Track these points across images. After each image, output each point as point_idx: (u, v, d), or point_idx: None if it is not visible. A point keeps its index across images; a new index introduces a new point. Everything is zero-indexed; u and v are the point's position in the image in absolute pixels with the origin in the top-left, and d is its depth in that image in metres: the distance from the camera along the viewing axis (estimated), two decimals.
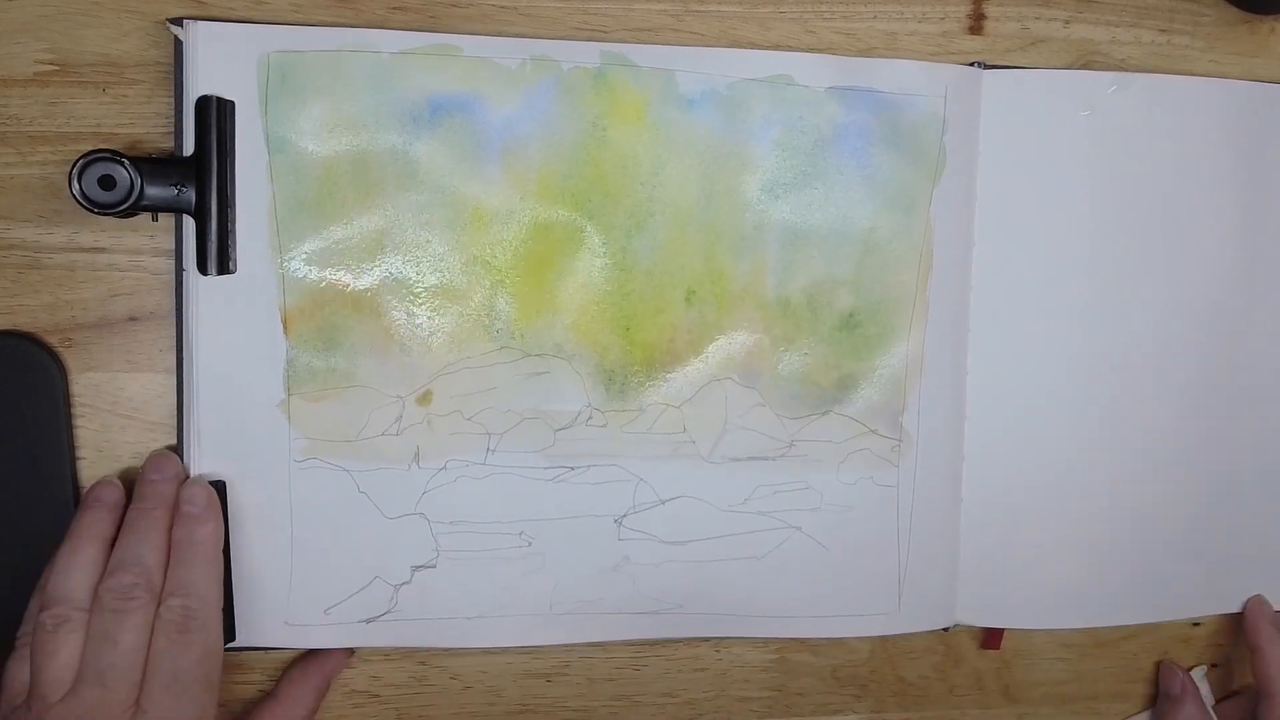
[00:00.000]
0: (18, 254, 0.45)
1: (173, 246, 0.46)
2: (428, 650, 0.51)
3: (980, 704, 0.56)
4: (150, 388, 0.47)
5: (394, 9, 0.46)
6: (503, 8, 0.47)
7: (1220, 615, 0.57)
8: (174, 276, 0.46)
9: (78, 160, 0.42)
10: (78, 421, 0.46)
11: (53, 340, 0.46)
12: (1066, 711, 0.57)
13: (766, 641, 0.53)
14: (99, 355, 0.46)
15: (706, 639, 0.53)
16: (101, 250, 0.46)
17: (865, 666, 0.54)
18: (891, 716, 0.55)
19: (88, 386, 0.46)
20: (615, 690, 0.53)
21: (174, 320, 0.46)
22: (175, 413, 0.47)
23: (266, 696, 0.49)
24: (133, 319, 0.46)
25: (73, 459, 0.46)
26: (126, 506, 0.44)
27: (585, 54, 0.47)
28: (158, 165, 0.43)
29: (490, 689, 0.51)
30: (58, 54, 0.45)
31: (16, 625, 0.43)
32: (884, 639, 0.54)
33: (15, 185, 0.45)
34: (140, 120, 0.46)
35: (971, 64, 0.50)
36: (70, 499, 0.46)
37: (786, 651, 0.54)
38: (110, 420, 0.47)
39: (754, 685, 0.54)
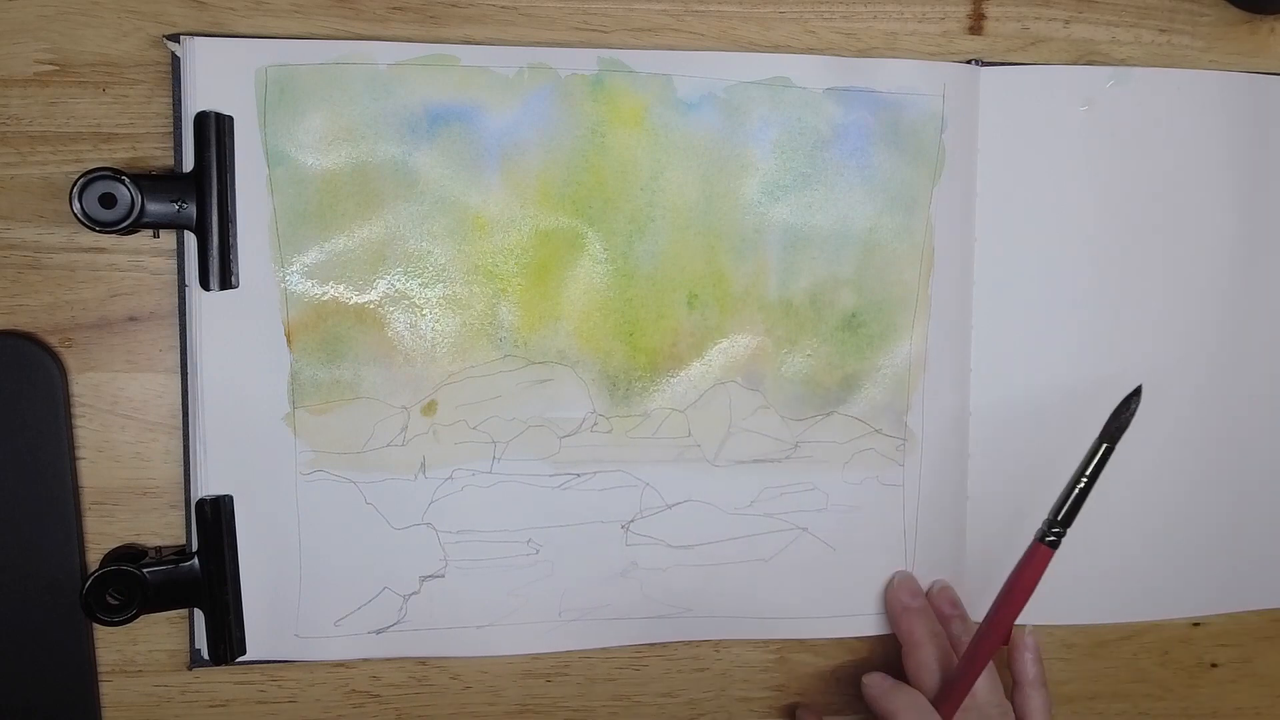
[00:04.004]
0: (18, 254, 0.45)
1: (174, 246, 0.46)
2: None
3: None
4: (150, 388, 0.47)
5: (394, 8, 0.46)
6: (503, 7, 0.47)
7: (1221, 615, 0.57)
8: (174, 279, 0.46)
9: (78, 179, 0.42)
10: (78, 421, 0.46)
11: (53, 340, 0.46)
12: (1067, 712, 0.57)
13: (767, 641, 0.53)
14: (99, 355, 0.46)
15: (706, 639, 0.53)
16: (101, 250, 0.46)
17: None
18: None
19: (88, 386, 0.46)
20: (615, 690, 0.53)
21: (174, 320, 0.46)
22: (175, 414, 0.47)
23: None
24: (133, 319, 0.46)
25: (73, 459, 0.46)
26: None
27: (582, 60, 0.47)
28: (158, 182, 0.43)
29: (490, 689, 0.52)
30: (58, 54, 0.45)
31: (17, 625, 0.43)
32: (884, 639, 0.54)
33: (15, 185, 0.45)
34: (140, 120, 0.45)
35: (969, 61, 0.50)
36: (70, 499, 0.46)
37: (786, 651, 0.54)
38: (110, 420, 0.47)
39: (754, 685, 0.54)
